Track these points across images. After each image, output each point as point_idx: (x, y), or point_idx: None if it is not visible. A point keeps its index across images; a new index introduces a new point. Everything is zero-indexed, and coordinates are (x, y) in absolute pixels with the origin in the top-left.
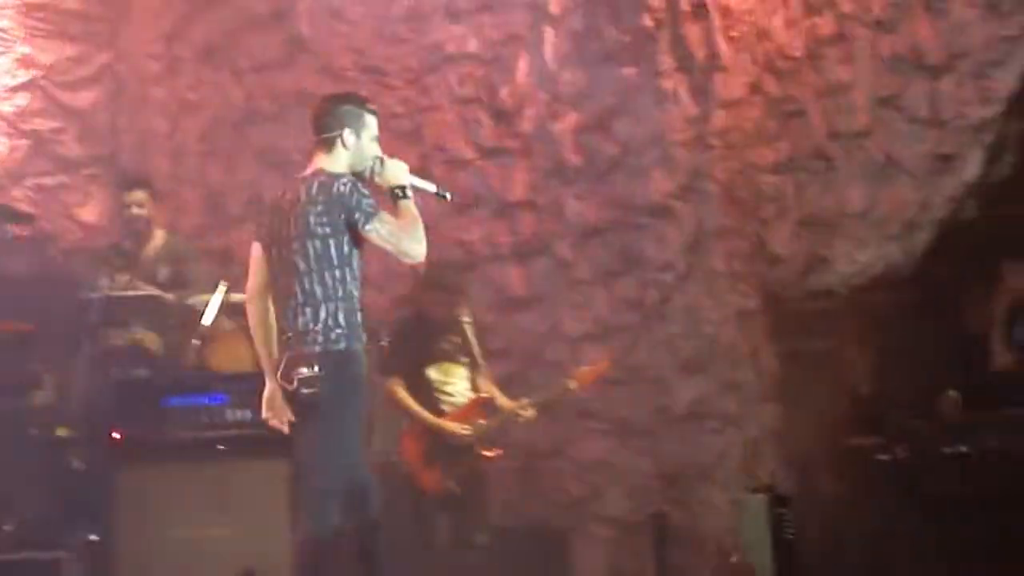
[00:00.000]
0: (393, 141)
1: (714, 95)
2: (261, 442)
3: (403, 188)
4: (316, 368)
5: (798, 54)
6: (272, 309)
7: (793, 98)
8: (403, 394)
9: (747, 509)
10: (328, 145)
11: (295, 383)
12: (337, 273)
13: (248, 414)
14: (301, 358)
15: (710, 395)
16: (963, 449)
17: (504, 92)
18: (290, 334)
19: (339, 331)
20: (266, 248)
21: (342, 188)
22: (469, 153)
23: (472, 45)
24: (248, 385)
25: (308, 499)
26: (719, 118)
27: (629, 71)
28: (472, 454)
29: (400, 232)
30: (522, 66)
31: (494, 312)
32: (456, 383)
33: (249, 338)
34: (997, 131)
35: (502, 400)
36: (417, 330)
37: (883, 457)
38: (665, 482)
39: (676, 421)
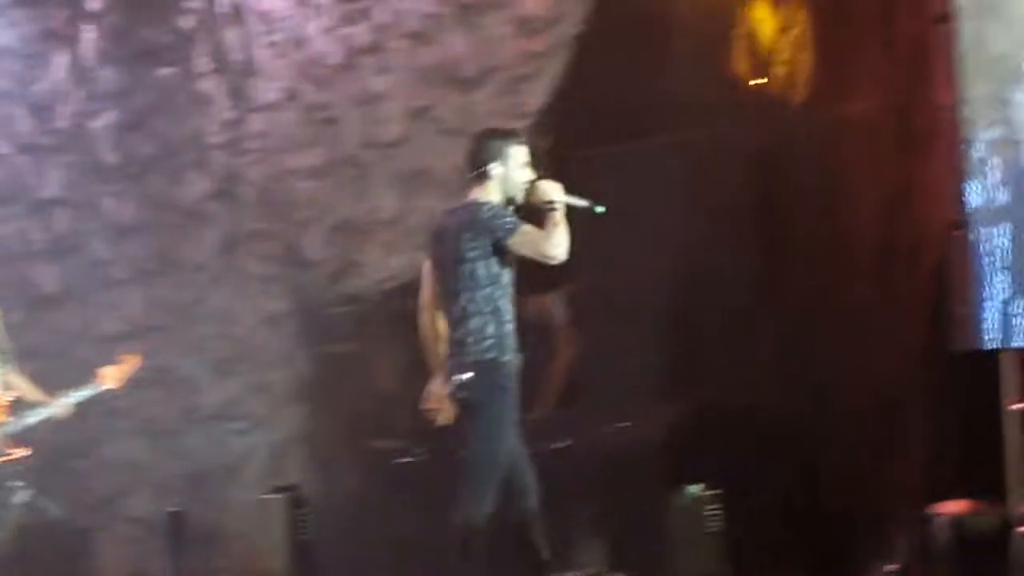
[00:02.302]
0: None
1: (250, 99)
2: None
3: (551, 203)
4: (469, 375)
5: (334, 62)
6: (440, 318)
7: (328, 105)
8: None
9: (267, 509)
10: (479, 179)
11: (454, 387)
12: (487, 291)
13: None
14: (459, 366)
15: (239, 396)
16: None
17: (41, 87)
18: (452, 344)
19: (488, 342)
20: (434, 268)
21: (486, 214)
22: (4, 148)
23: (8, 39)
24: None
25: (468, 489)
26: (255, 122)
27: (166, 71)
28: None
29: (538, 238)
30: (59, 62)
31: (26, 310)
32: None
33: None
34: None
35: (33, 398)
36: None
37: (403, 460)
38: (191, 482)
39: (204, 421)
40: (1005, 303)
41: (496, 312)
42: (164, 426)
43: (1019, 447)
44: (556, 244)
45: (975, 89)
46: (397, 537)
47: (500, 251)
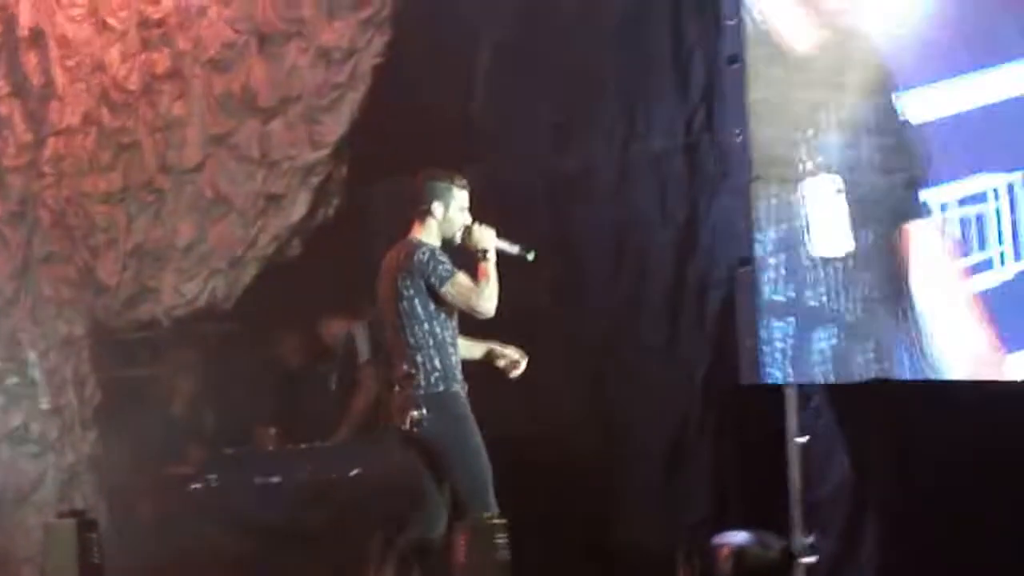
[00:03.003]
0: None
1: (49, 123)
2: None
3: (485, 251)
4: (424, 410)
5: (133, 87)
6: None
7: (127, 130)
8: None
9: (55, 533)
10: (421, 216)
11: (408, 424)
12: (425, 326)
13: None
14: (409, 401)
15: (31, 420)
16: (275, 480)
17: None
18: (398, 379)
19: (436, 375)
20: (377, 304)
21: (421, 256)
22: None
23: None
24: None
25: (478, 503)
26: (53, 146)
27: None
28: None
29: (470, 293)
30: None
31: None
32: None
33: None
34: (325, 175)
35: None
36: None
37: (197, 485)
38: None
39: None
40: (789, 339)
41: (439, 345)
42: None
43: (802, 480)
44: (487, 298)
45: (763, 130)
46: (189, 563)
47: (432, 292)
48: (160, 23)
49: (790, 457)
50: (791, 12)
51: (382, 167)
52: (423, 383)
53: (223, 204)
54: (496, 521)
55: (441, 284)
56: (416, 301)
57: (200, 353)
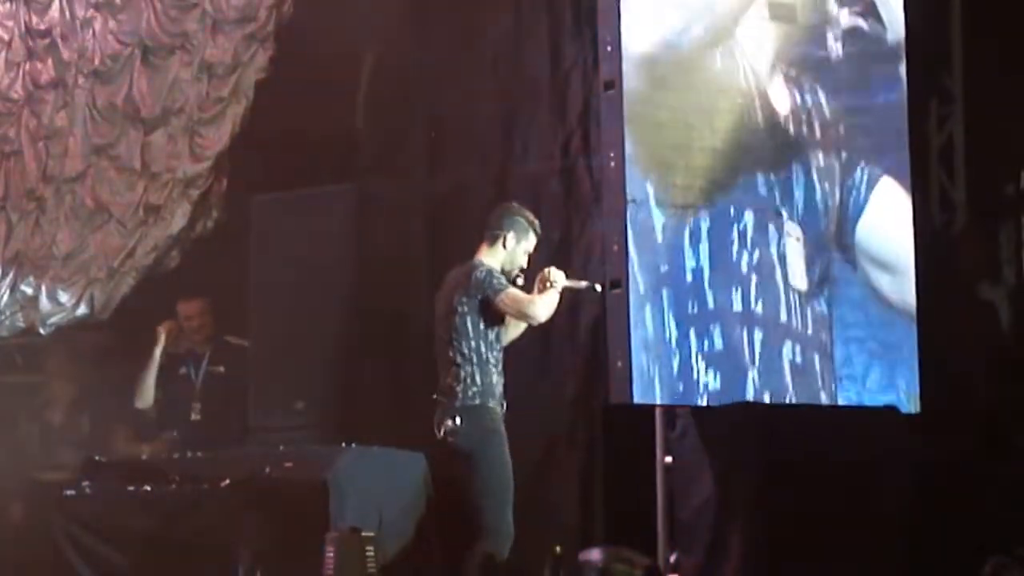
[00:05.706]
0: None
1: None
2: None
3: (553, 282)
4: (458, 421)
5: (17, 96)
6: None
7: (9, 138)
8: None
9: None
10: (492, 240)
11: (443, 432)
12: (473, 343)
13: None
14: (446, 411)
15: None
16: (147, 488)
17: None
18: (441, 390)
19: (475, 389)
20: (436, 318)
21: (479, 275)
22: None
23: None
24: None
25: (489, 524)
26: None
27: None
28: None
29: (523, 300)
30: None
31: None
32: None
33: None
34: (205, 187)
35: None
36: None
37: (71, 491)
38: None
39: None
40: (659, 360)
41: (482, 363)
42: None
43: (668, 499)
44: (541, 305)
45: (640, 153)
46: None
47: (488, 308)
48: (46, 33)
49: (657, 476)
50: None
51: (263, 181)
52: (460, 396)
53: (103, 214)
54: (366, 533)
55: (496, 295)
56: (468, 319)
57: (76, 361)
